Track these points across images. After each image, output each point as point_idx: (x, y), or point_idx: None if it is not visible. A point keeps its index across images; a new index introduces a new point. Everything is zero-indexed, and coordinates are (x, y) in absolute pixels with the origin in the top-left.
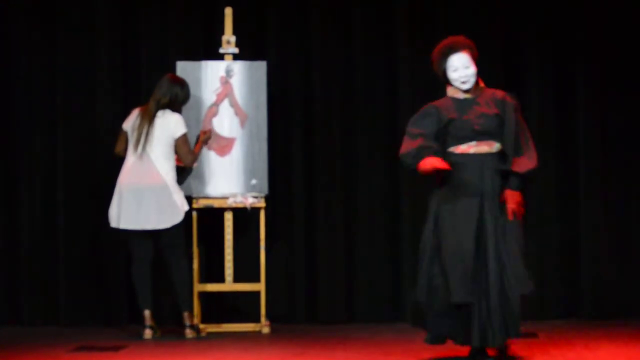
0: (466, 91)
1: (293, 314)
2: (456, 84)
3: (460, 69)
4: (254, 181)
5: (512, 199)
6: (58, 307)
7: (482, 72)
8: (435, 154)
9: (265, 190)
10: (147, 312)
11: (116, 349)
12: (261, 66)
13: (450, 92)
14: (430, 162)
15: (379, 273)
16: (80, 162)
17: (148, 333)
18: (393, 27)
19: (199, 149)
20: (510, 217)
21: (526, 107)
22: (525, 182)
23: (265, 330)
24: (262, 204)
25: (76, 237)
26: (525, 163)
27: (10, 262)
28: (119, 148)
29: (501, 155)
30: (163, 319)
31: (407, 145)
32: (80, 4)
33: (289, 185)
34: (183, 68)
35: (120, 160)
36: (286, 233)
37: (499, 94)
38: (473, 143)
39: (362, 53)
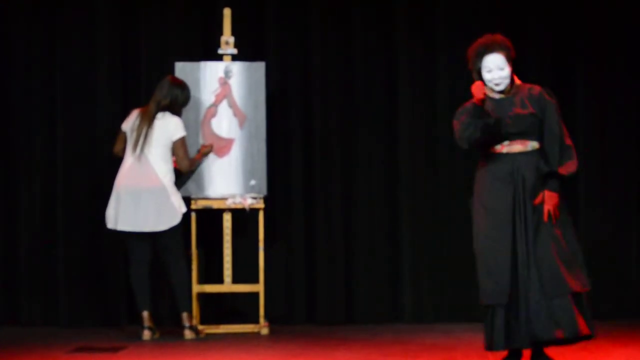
0: (500, 91)
1: (292, 315)
2: (490, 85)
3: (495, 70)
4: (252, 182)
5: (550, 200)
6: (57, 308)
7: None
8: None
9: (264, 191)
10: (145, 314)
11: (115, 350)
12: (260, 67)
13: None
14: (476, 88)
15: (378, 274)
16: (79, 162)
17: (147, 334)
18: (392, 27)
19: (198, 158)
20: (546, 218)
21: None
22: (564, 184)
23: (264, 331)
24: (261, 204)
25: (75, 238)
26: (568, 165)
27: (10, 263)
28: (117, 148)
29: (539, 153)
30: (162, 320)
31: (458, 125)
32: (79, 4)
33: (288, 186)
34: (182, 69)
35: (119, 161)
36: (285, 234)
37: (536, 90)
38: (506, 142)
39: (361, 53)
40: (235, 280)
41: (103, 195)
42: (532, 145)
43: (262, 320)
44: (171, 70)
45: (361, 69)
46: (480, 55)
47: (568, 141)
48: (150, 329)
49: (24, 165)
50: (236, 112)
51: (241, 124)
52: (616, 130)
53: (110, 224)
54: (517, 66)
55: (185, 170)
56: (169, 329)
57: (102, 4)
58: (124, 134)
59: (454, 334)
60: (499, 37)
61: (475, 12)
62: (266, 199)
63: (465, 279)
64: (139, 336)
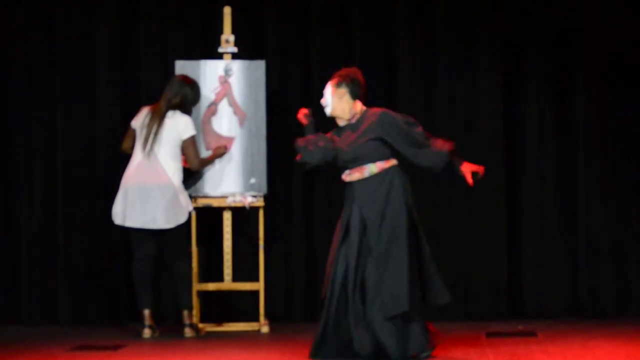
0: (342, 119)
1: (292, 313)
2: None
3: (324, 97)
4: (252, 180)
5: (471, 166)
6: (57, 306)
7: (481, 71)
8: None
9: (264, 189)
10: (146, 312)
11: (115, 348)
12: (260, 65)
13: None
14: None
15: None
16: (79, 160)
17: (147, 332)
18: (392, 26)
19: (211, 159)
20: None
21: (526, 105)
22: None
23: (264, 329)
24: (261, 203)
25: (75, 236)
26: (442, 144)
27: (10, 262)
28: (126, 145)
29: (385, 174)
30: (162, 318)
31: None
32: (79, 3)
33: (287, 184)
34: (182, 67)
35: (121, 159)
36: (285, 232)
37: (376, 114)
38: (347, 171)
39: (361, 52)
40: (236, 278)
41: (103, 194)
42: (370, 170)
43: (262, 318)
44: (171, 69)
45: (361, 67)
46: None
47: (426, 141)
48: (150, 327)
49: (24, 164)
50: (236, 110)
51: (241, 123)
52: (616, 130)
53: (118, 220)
54: (517, 65)
55: (196, 168)
56: (169, 326)
57: (102, 2)
58: (133, 130)
59: (453, 331)
60: (344, 71)
61: (475, 12)
62: (266, 197)
63: (464, 278)
64: (139, 334)
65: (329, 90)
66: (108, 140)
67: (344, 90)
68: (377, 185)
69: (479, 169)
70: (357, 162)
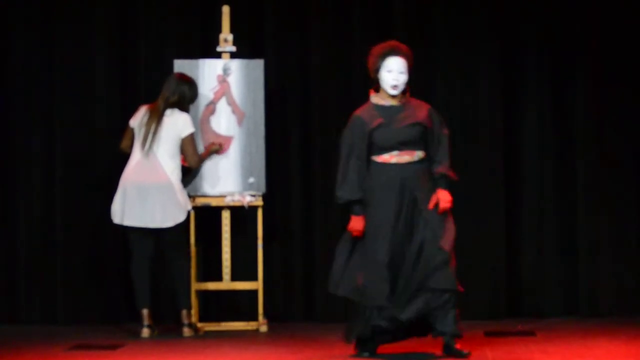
0: (393, 97)
1: (291, 313)
2: (386, 86)
3: (395, 72)
4: (251, 179)
5: (445, 197)
6: (56, 305)
7: (481, 70)
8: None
9: (262, 188)
10: (145, 311)
11: (114, 347)
12: (258, 64)
13: (374, 98)
14: (358, 227)
15: None
16: (78, 160)
17: (146, 332)
18: (391, 26)
19: (205, 156)
20: (440, 212)
21: (525, 105)
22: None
23: (263, 328)
24: (259, 202)
25: (74, 235)
26: (451, 169)
27: (8, 261)
28: (124, 144)
29: (425, 161)
30: (161, 317)
31: (343, 174)
32: (78, 2)
33: (286, 183)
34: (180, 66)
35: (120, 158)
36: (284, 231)
37: (425, 105)
38: (395, 152)
39: (359, 51)
40: (234, 277)
41: (102, 193)
42: (419, 155)
43: (260, 317)
44: (170, 68)
45: (359, 66)
46: (385, 55)
47: (449, 157)
48: (149, 326)
49: (23, 164)
50: (235, 109)
51: (240, 122)
52: (615, 130)
53: (117, 219)
54: (516, 64)
55: (195, 166)
56: (167, 326)
57: (101, 1)
58: (132, 130)
59: None
60: (403, 45)
61: (474, 12)
62: (265, 197)
63: (463, 278)
64: (137, 334)
65: (403, 64)
66: (107, 139)
67: (409, 70)
68: (423, 171)
69: (446, 204)
70: (409, 145)
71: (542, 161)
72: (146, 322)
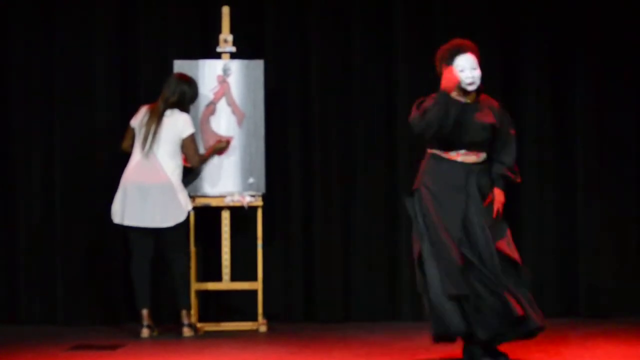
0: (467, 95)
1: (290, 313)
2: (463, 84)
3: (467, 70)
4: (251, 180)
5: (501, 198)
6: (56, 306)
7: (480, 69)
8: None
9: (262, 188)
10: (144, 311)
11: (113, 347)
12: (258, 65)
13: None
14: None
15: (377, 272)
16: (78, 160)
17: (145, 332)
18: (391, 25)
19: (210, 154)
20: (495, 215)
21: (524, 104)
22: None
23: (263, 328)
24: (259, 202)
25: (74, 236)
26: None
27: (8, 261)
28: (125, 144)
29: (488, 160)
30: (160, 317)
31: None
32: (78, 2)
33: (286, 183)
34: (180, 67)
35: (120, 158)
36: (283, 232)
37: (496, 103)
38: (462, 151)
39: (359, 52)
40: (234, 278)
41: (102, 193)
42: (483, 157)
43: (260, 317)
44: (170, 68)
45: (360, 67)
46: (453, 55)
47: (514, 158)
48: (149, 326)
49: (23, 164)
50: (235, 110)
51: (240, 122)
52: (615, 130)
53: (117, 218)
54: (516, 63)
55: (196, 166)
56: (167, 326)
57: (101, 1)
58: (133, 130)
59: None
60: (468, 41)
61: (474, 11)
62: (264, 197)
63: None
64: (137, 334)
65: (473, 60)
66: (107, 140)
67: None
68: (485, 172)
69: (499, 205)
70: (477, 146)
71: (542, 161)
72: (146, 322)
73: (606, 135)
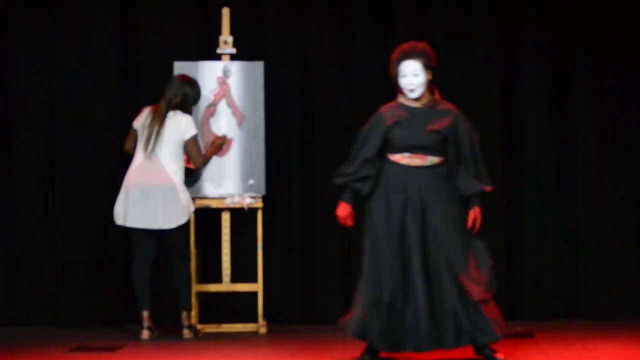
0: (416, 100)
1: (290, 314)
2: (405, 91)
3: (409, 76)
4: (251, 181)
5: (480, 217)
6: (56, 307)
7: (480, 69)
8: (356, 193)
9: (262, 190)
10: (145, 313)
11: (113, 349)
12: (259, 66)
13: (401, 98)
14: (341, 213)
15: None
16: (78, 162)
17: (145, 334)
18: (391, 26)
19: (212, 152)
20: (475, 233)
21: (524, 104)
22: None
23: (263, 330)
24: (259, 204)
25: (74, 237)
26: (487, 182)
27: (8, 263)
28: (128, 145)
29: (439, 169)
30: (160, 319)
31: (348, 164)
32: (78, 3)
33: (286, 185)
34: (180, 68)
35: (120, 158)
36: (283, 233)
37: (452, 111)
38: (407, 154)
39: (359, 53)
40: (234, 279)
41: (102, 195)
42: (432, 160)
43: (260, 319)
44: (169, 70)
45: (360, 68)
46: (398, 61)
47: (483, 164)
48: (149, 328)
49: (23, 164)
50: (235, 111)
51: (240, 124)
52: (614, 131)
53: (119, 220)
54: (516, 63)
55: (200, 167)
56: (167, 327)
57: (100, 3)
58: (135, 131)
59: None
60: (419, 45)
61: (474, 12)
62: (264, 199)
63: None
64: (137, 335)
65: (416, 66)
66: (106, 141)
67: (430, 72)
68: (436, 176)
69: (478, 221)
70: (422, 149)
71: (542, 161)
72: (146, 324)
73: (606, 135)
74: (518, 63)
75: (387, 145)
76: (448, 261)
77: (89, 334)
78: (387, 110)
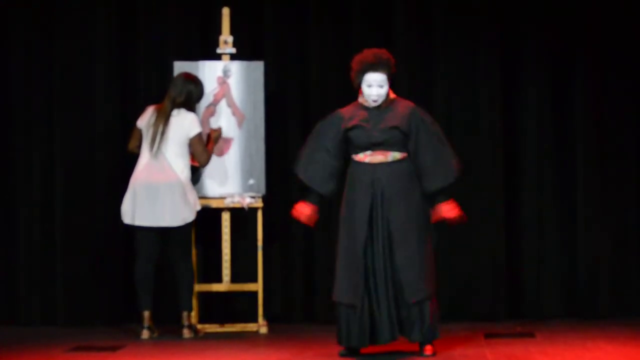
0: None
1: (290, 314)
2: (368, 99)
3: (374, 87)
4: (251, 181)
5: (453, 210)
6: (56, 307)
7: (480, 68)
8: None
9: (262, 190)
10: (146, 313)
11: (114, 349)
12: (258, 66)
13: (361, 98)
14: (298, 213)
15: None
16: (78, 161)
17: (145, 333)
18: (391, 26)
19: (212, 147)
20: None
21: (524, 104)
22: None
23: (263, 330)
24: (259, 204)
25: (74, 236)
26: (455, 171)
27: (8, 262)
28: (132, 145)
29: (402, 164)
30: (160, 318)
31: (304, 153)
32: (78, 3)
33: (286, 185)
34: (180, 68)
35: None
36: (283, 233)
37: (409, 107)
38: (368, 152)
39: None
40: (234, 279)
41: (102, 194)
42: (394, 156)
43: (260, 319)
44: (170, 69)
45: None
46: (364, 72)
47: (447, 149)
48: (149, 328)
49: (23, 164)
50: (235, 111)
51: (240, 124)
52: (614, 132)
53: (127, 219)
54: (515, 62)
55: (205, 164)
56: (167, 327)
57: (101, 3)
58: (139, 130)
59: (451, 331)
60: (383, 55)
61: (474, 12)
62: (264, 198)
63: (463, 279)
64: (137, 335)
65: (382, 78)
66: (107, 141)
67: (389, 79)
68: (399, 172)
69: (452, 214)
70: (382, 146)
71: (542, 161)
72: (146, 323)
73: (607, 135)
74: (518, 64)
75: (350, 147)
76: (398, 260)
77: (89, 334)
78: (346, 111)
